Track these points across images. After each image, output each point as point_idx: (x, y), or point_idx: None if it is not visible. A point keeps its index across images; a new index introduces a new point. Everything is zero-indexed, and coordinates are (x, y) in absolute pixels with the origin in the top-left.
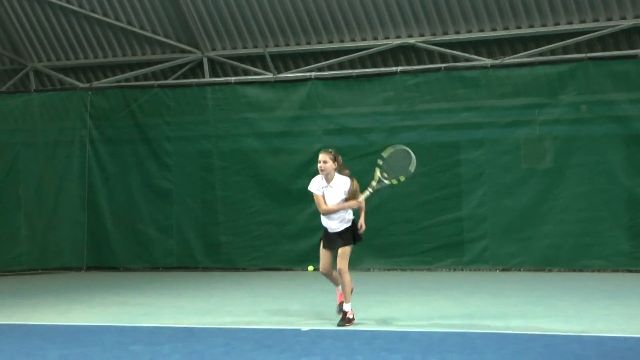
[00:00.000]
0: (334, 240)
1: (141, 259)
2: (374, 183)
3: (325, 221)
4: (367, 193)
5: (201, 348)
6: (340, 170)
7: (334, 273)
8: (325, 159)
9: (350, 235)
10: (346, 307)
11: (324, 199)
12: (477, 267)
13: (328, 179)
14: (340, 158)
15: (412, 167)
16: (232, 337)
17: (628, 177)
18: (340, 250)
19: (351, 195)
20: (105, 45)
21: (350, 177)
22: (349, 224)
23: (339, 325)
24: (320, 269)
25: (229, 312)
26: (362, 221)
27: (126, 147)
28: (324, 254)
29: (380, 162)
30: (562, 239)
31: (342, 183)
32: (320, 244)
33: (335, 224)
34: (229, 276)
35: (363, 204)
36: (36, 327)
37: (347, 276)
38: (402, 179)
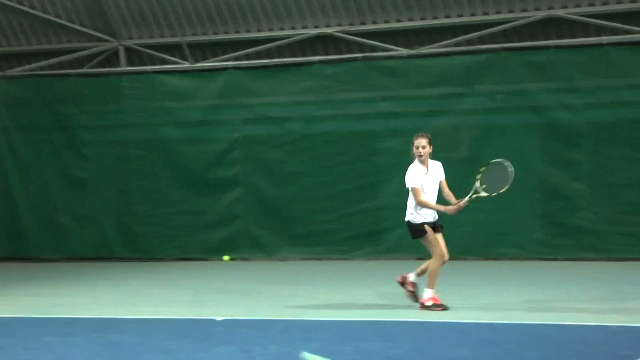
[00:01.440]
0: (435, 227)
1: (56, 249)
2: (474, 192)
3: (424, 211)
4: (466, 199)
5: (116, 338)
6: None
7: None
8: (423, 144)
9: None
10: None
11: (424, 188)
12: (393, 255)
13: (425, 164)
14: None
15: (504, 187)
16: (148, 327)
17: (543, 166)
18: (440, 236)
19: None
20: (19, 33)
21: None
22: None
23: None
24: (445, 255)
25: (144, 302)
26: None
27: (41, 137)
28: (438, 239)
29: (480, 173)
30: (478, 227)
31: (437, 168)
32: (424, 232)
33: (431, 214)
34: (145, 266)
35: (461, 206)
36: None
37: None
38: (493, 194)
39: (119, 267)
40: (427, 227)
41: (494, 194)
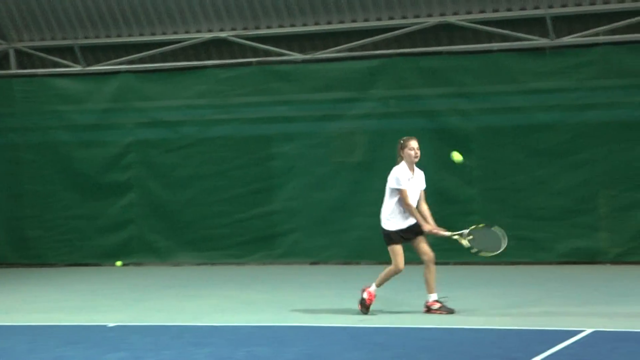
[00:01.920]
0: (411, 231)
1: None
2: (459, 235)
3: (399, 217)
4: (446, 234)
5: (5, 346)
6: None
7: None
8: (418, 145)
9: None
10: (434, 296)
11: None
12: (288, 260)
13: (413, 169)
14: None
15: (487, 252)
16: (38, 334)
17: (435, 171)
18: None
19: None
20: None
21: None
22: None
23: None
24: (401, 267)
25: (35, 308)
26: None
27: None
28: (400, 250)
29: (477, 227)
30: (372, 231)
31: (421, 176)
32: (395, 242)
33: (411, 220)
34: (36, 272)
35: (438, 233)
36: None
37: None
38: (480, 253)
39: (9, 273)
40: (398, 238)
41: (473, 250)
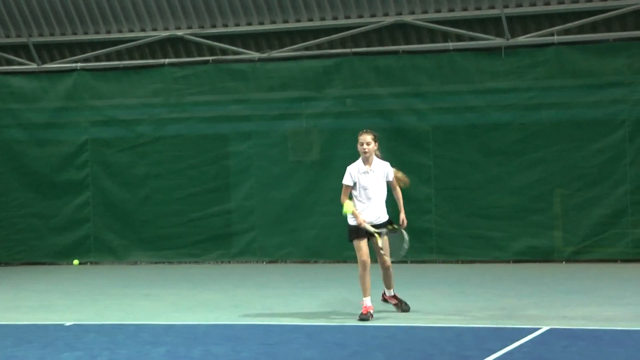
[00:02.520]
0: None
1: None
2: (378, 233)
3: (364, 213)
4: (370, 229)
5: None
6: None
7: None
8: (367, 140)
9: (389, 226)
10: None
11: (363, 185)
12: (244, 259)
13: (369, 162)
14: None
15: (386, 251)
16: None
17: None
18: (384, 242)
19: (396, 181)
20: None
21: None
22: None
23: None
24: (364, 259)
25: None
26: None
27: None
28: (364, 243)
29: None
30: (328, 230)
31: (383, 166)
32: (352, 238)
33: (379, 212)
34: None
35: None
36: None
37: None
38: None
39: None
40: (357, 234)
41: (380, 239)
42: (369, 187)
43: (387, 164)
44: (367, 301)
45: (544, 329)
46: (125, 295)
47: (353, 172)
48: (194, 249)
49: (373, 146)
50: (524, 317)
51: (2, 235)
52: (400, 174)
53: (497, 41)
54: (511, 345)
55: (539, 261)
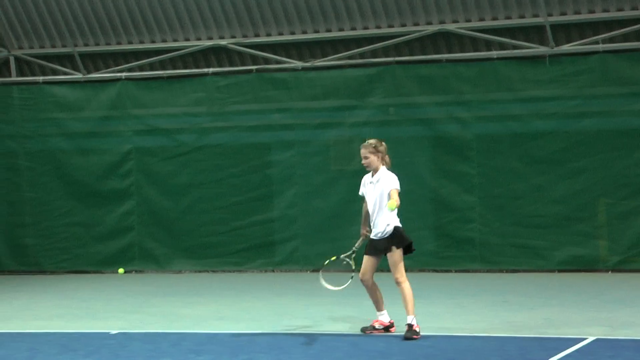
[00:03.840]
0: (375, 247)
1: None
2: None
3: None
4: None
5: (4, 354)
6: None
7: (372, 284)
8: (365, 154)
9: (397, 241)
10: (410, 319)
11: (368, 197)
12: (287, 267)
13: (373, 174)
14: (383, 147)
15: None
16: (37, 342)
17: (433, 178)
18: (389, 258)
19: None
20: None
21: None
22: (393, 229)
23: (405, 337)
24: (360, 277)
25: (34, 316)
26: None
27: None
28: (365, 260)
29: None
30: None
31: (384, 179)
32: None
33: (379, 227)
34: (35, 279)
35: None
36: None
37: (403, 285)
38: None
39: (7, 280)
40: (366, 249)
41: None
42: (371, 199)
43: (390, 178)
44: (381, 316)
45: (590, 339)
46: (169, 304)
47: (363, 183)
48: (237, 257)
49: (373, 158)
50: (569, 327)
51: (46, 244)
52: (394, 193)
53: (541, 49)
54: (556, 355)
55: (584, 271)
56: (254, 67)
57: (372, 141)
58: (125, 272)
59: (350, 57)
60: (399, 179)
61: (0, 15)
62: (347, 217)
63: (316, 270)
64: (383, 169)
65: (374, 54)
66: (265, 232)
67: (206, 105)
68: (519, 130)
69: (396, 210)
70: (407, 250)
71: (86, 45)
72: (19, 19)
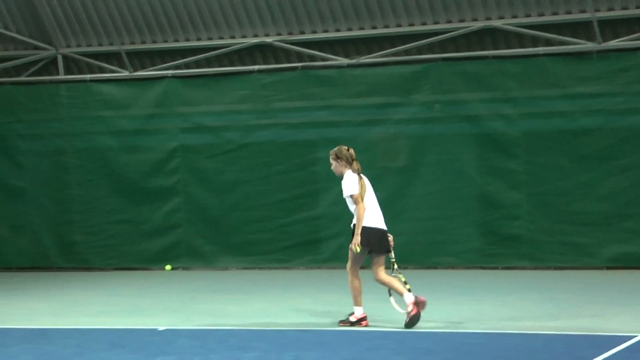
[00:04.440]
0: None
1: None
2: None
3: None
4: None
5: (53, 349)
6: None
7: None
8: (330, 161)
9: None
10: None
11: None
12: (333, 264)
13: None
14: (344, 152)
15: None
16: (86, 338)
17: (479, 176)
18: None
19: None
20: None
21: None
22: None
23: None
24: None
25: (82, 312)
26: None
27: None
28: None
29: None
30: (416, 236)
31: (343, 186)
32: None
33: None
34: (83, 276)
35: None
36: None
37: (349, 278)
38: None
39: (56, 277)
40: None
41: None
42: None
43: (344, 184)
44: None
45: (639, 337)
46: (216, 301)
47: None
48: (283, 254)
49: (335, 164)
50: (618, 324)
51: (94, 241)
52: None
53: (588, 45)
54: (605, 353)
55: (632, 268)
56: (299, 65)
57: (335, 148)
58: (172, 269)
59: (395, 54)
60: (442, 175)
61: (49, 14)
62: (393, 214)
63: (362, 267)
64: (347, 174)
65: (419, 50)
66: (311, 229)
67: (252, 102)
68: (565, 127)
69: (374, 210)
70: (380, 249)
71: (133, 43)
72: (67, 17)
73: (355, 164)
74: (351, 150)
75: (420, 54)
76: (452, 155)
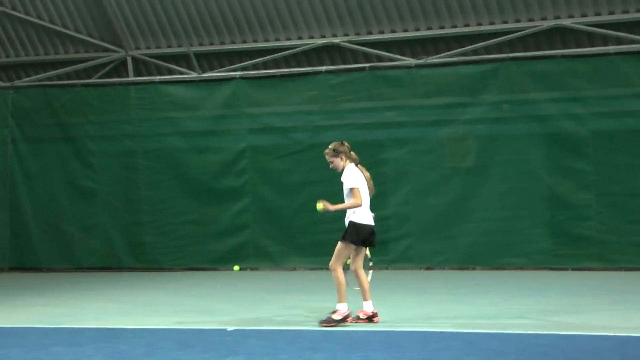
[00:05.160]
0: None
1: (64, 260)
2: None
3: None
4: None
5: (124, 349)
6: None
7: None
8: (329, 160)
9: (347, 234)
10: (338, 306)
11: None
12: (401, 265)
13: (341, 173)
14: (342, 147)
15: None
16: (156, 338)
17: (548, 176)
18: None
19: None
20: (27, 43)
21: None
22: (348, 223)
23: (320, 322)
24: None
25: (153, 312)
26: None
27: (49, 147)
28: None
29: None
30: (485, 237)
31: (345, 178)
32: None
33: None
34: (153, 276)
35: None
36: None
37: (334, 274)
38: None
39: (127, 277)
40: None
41: None
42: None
43: (346, 177)
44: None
45: None
46: (284, 301)
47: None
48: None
49: (335, 161)
50: None
51: (164, 241)
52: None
53: None
54: None
55: None
56: (366, 65)
57: (330, 146)
58: (240, 269)
59: (463, 54)
60: (511, 175)
61: (118, 17)
62: (461, 214)
63: (430, 268)
64: (348, 167)
65: (487, 50)
66: (379, 229)
67: (319, 103)
68: (636, 127)
69: (365, 206)
70: (366, 244)
71: (201, 45)
72: (136, 20)
73: (353, 154)
74: (346, 144)
75: (489, 53)
76: (521, 156)
